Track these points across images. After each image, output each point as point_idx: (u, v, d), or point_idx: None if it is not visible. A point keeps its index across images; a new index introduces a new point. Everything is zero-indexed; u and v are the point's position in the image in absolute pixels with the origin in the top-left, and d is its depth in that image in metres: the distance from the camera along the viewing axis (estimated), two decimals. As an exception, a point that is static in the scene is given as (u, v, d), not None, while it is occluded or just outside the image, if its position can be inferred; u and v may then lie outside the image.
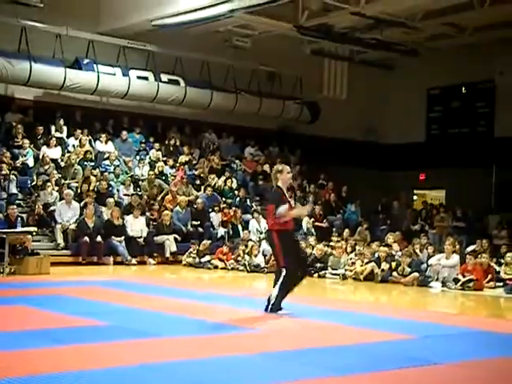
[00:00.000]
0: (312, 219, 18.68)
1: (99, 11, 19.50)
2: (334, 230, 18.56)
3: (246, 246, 16.07)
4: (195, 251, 16.29)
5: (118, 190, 17.87)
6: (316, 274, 14.56)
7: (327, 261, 14.83)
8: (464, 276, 12.93)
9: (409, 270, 13.65)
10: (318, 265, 14.78)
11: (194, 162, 20.39)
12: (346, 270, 14.46)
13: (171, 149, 20.51)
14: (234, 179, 20.21)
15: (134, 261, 15.87)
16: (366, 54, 22.62)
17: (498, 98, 22.53)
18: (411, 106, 24.11)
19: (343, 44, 21.51)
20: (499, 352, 6.47)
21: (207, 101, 20.88)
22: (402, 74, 23.84)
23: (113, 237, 15.87)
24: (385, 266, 13.97)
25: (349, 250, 15.38)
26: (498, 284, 13.23)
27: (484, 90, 22.93)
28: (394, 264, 13.96)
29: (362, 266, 14.24)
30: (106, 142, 19.15)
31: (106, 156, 18.79)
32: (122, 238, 16.03)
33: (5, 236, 12.51)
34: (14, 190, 16.21)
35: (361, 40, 20.75)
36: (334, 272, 14.47)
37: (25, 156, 17.25)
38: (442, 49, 21.81)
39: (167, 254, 16.64)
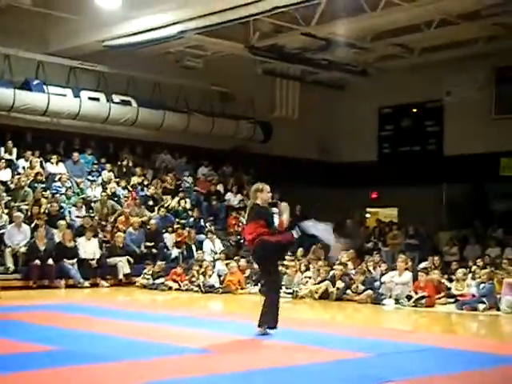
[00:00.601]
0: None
1: (49, 32, 19.24)
2: (288, 249, 18.56)
3: (201, 267, 15.99)
4: (149, 273, 16.13)
5: (69, 212, 17.62)
6: (271, 294, 14.51)
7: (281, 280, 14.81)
8: (416, 293, 13.08)
9: (362, 287, 13.74)
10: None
11: (147, 182, 20.25)
12: (300, 289, 14.48)
13: (124, 170, 20.35)
14: (187, 200, 20.12)
15: (86, 283, 15.63)
16: (317, 75, 22.88)
17: (445, 117, 22.97)
18: (363, 125, 24.39)
19: (294, 64, 21.72)
20: (453, 368, 6.53)
21: (160, 121, 20.81)
22: (354, 93, 24.15)
23: (65, 259, 15.62)
24: (340, 284, 14.03)
25: (303, 268, 15.41)
26: (449, 300, 13.40)
27: (433, 110, 23.34)
28: (351, 282, 14.04)
29: (315, 284, 14.29)
30: (56, 164, 18.88)
31: (57, 178, 18.53)
32: (75, 260, 15.79)
33: (-48, 261, 12.21)
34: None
35: (312, 60, 20.99)
36: (288, 291, 14.48)
37: (-26, 179, 16.93)
38: (391, 69, 22.17)
39: (120, 276, 16.44)
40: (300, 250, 17.51)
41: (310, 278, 14.81)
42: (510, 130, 20.78)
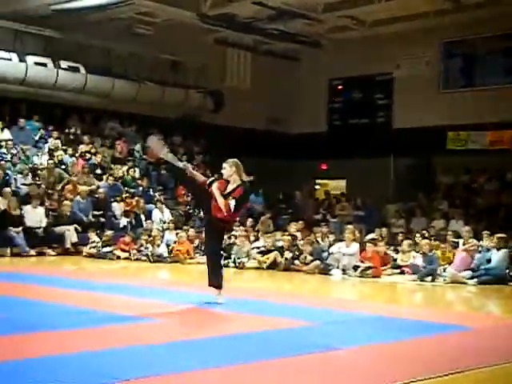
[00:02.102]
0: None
1: (-5, -7, 18.72)
2: (238, 219, 18.61)
3: (149, 236, 15.92)
4: (97, 242, 15.99)
5: (15, 180, 17.28)
6: (219, 264, 14.59)
7: (231, 250, 14.88)
8: (363, 263, 13.27)
9: (310, 258, 13.89)
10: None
11: (95, 150, 19.97)
12: (248, 259, 14.55)
13: (71, 137, 20.03)
14: (136, 168, 19.95)
15: (32, 252, 15.42)
16: (270, 45, 22.78)
17: (395, 90, 23.18)
18: (314, 96, 24.45)
19: (246, 34, 21.58)
20: (396, 336, 6.65)
21: (109, 89, 20.49)
22: (306, 64, 24.16)
23: (10, 227, 15.36)
24: (287, 254, 14.15)
25: (252, 239, 15.48)
26: (394, 271, 13.66)
27: (382, 82, 23.52)
28: (296, 252, 14.18)
29: (264, 254, 14.38)
30: (2, 130, 18.48)
31: (2, 144, 18.14)
32: (20, 228, 15.54)
33: None
34: None
35: (264, 30, 20.88)
36: (237, 261, 14.54)
37: None
38: (343, 41, 22.22)
39: (67, 245, 16.26)
40: (249, 221, 17.59)
41: (258, 248, 14.89)
42: (456, 103, 21.13)
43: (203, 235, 8.93)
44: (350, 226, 15.01)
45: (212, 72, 22.85)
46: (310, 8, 19.33)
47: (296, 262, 14.02)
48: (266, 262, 14.16)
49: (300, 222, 16.69)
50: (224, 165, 8.18)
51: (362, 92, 24.09)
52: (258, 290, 11.27)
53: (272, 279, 13.11)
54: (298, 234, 15.37)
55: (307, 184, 23.34)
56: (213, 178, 8.50)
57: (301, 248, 14.30)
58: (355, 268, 13.27)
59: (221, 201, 7.98)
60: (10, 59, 18.69)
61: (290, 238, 14.83)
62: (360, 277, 13.01)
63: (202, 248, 15.64)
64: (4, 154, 17.90)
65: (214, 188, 8.03)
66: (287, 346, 5.91)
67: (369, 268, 13.12)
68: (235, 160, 8.25)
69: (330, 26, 21.17)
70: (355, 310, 8.70)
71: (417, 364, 5.43)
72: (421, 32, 20.85)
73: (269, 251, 14.44)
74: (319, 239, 15.31)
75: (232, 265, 14.49)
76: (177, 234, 16.21)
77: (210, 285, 8.27)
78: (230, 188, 8.12)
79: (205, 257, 14.97)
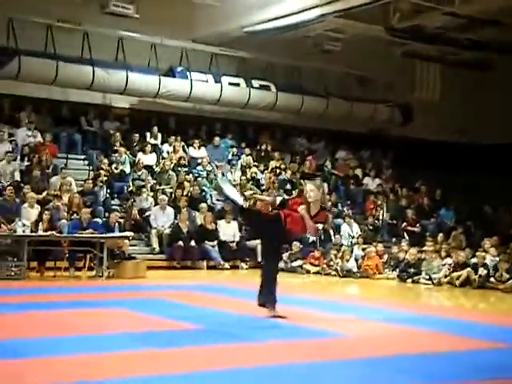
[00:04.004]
0: (404, 223, 18.55)
1: (192, 19, 19.82)
2: (427, 234, 18.23)
3: (338, 251, 16.02)
4: (286, 256, 16.34)
5: (210, 196, 18.14)
6: (409, 280, 14.38)
7: (420, 266, 14.59)
8: None
9: (507, 275, 13.27)
10: (412, 270, 14.58)
11: (285, 166, 20.45)
12: (441, 276, 14.16)
13: (262, 154, 20.69)
14: (325, 184, 20.13)
15: (226, 265, 16.09)
16: (459, 55, 22.10)
17: None
18: (508, 105, 23.36)
19: (435, 45, 21.10)
20: None
21: (298, 105, 20.93)
22: (498, 73, 23.14)
23: (206, 241, 16.14)
24: (482, 271, 13.62)
25: (443, 254, 15.07)
26: None
27: None
28: (491, 270, 13.61)
29: (457, 271, 13.95)
30: (198, 148, 19.50)
31: (198, 162, 19.14)
32: (215, 242, 16.28)
33: (104, 241, 12.95)
34: (102, 197, 16.56)
35: (454, 40, 20.31)
36: (428, 277, 14.22)
37: (122, 163, 17.74)
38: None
39: (259, 259, 16.72)
40: (440, 236, 17.13)
41: (450, 264, 14.46)
42: None
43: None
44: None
45: (400, 85, 22.60)
46: (503, 14, 18.50)
47: (491, 279, 13.46)
48: (458, 279, 13.72)
49: (494, 238, 15.99)
50: (311, 186, 8.03)
51: None
52: (449, 308, 10.97)
53: (465, 297, 12.68)
54: (493, 250, 14.74)
55: (501, 197, 22.27)
56: (282, 198, 8.60)
57: (496, 265, 13.70)
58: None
59: (311, 224, 8.01)
60: (207, 81, 19.71)
61: (484, 254, 14.27)
62: None
63: (392, 263, 15.54)
64: (200, 171, 18.87)
65: (303, 212, 7.94)
66: (480, 368, 5.72)
67: None
68: (323, 183, 8.26)
69: (525, 30, 20.15)
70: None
71: None
72: None
73: (462, 267, 13.98)
74: (517, 255, 14.60)
75: (423, 281, 14.20)
76: (364, 248, 16.18)
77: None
78: (313, 210, 8.02)
79: (393, 272, 14.99)
